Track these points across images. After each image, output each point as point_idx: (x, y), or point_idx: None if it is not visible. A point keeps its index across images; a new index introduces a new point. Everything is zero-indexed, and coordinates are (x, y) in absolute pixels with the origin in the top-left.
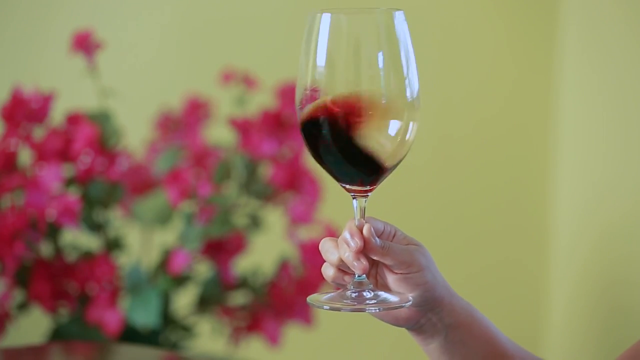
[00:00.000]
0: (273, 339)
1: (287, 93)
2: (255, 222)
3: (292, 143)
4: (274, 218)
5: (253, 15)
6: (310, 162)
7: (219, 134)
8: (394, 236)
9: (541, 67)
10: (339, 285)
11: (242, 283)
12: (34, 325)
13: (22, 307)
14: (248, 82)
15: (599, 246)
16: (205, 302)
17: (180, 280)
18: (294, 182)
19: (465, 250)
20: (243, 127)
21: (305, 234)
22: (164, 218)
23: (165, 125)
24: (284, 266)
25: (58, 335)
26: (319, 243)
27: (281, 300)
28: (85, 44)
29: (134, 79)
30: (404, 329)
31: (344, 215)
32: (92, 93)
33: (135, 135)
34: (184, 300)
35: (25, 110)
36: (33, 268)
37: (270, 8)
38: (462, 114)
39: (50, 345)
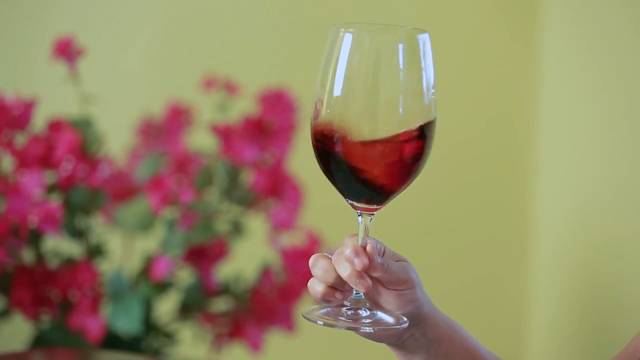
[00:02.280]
0: (255, 346)
1: (268, 99)
2: (237, 229)
3: (274, 149)
4: (256, 224)
5: (235, 22)
6: (292, 168)
7: (200, 140)
8: (384, 253)
9: (522, 76)
10: (326, 302)
11: (224, 289)
12: (15, 332)
13: (4, 314)
14: (230, 88)
15: (581, 263)
16: (187, 309)
17: (162, 287)
18: (276, 188)
19: (446, 267)
20: (225, 134)
21: (288, 240)
22: (145, 224)
23: (147, 132)
24: (266, 272)
25: (40, 341)
26: (301, 250)
27: (263, 307)
28: (66, 51)
29: (116, 86)
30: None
31: (325, 221)
32: (74, 99)
33: (117, 141)
34: (165, 307)
35: (7, 117)
36: (14, 275)
37: (252, 15)
38: (441, 133)
39: (32, 351)
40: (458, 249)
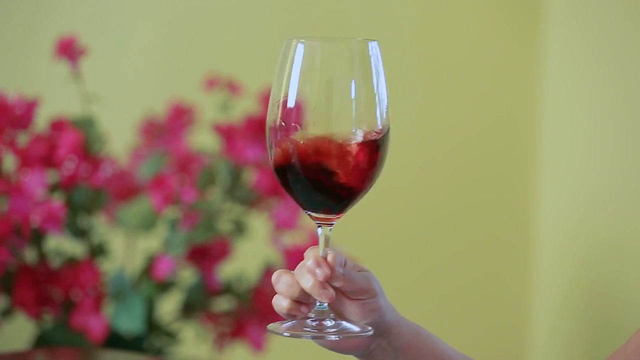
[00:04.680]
0: (257, 345)
1: None
2: (240, 228)
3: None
4: (258, 224)
5: (237, 21)
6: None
7: (203, 139)
8: (345, 264)
9: (525, 75)
10: (292, 317)
11: (227, 289)
12: (18, 332)
13: (6, 313)
14: (232, 87)
15: (583, 262)
16: (190, 308)
17: (165, 286)
18: (278, 188)
19: (448, 266)
20: (227, 133)
21: (290, 239)
22: (148, 224)
23: (150, 131)
24: (268, 272)
25: (42, 341)
26: (303, 249)
27: (265, 306)
28: (69, 50)
29: (118, 85)
30: None
31: None
32: (76, 99)
33: (120, 141)
34: (168, 306)
35: (9, 117)
36: (17, 274)
37: (254, 14)
38: (445, 130)
39: (34, 351)
40: (460, 248)
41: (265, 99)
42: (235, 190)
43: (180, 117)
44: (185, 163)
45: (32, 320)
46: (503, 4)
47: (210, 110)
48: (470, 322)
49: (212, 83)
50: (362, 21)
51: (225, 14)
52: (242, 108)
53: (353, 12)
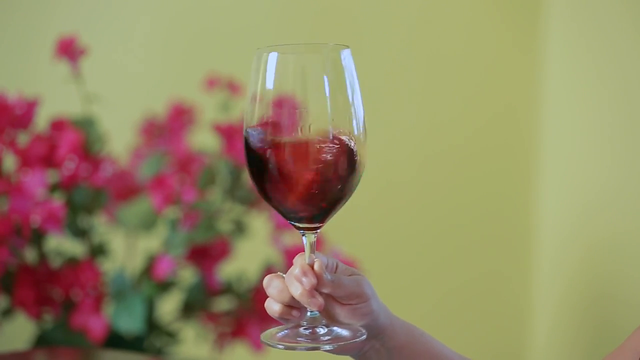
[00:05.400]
0: (257, 345)
1: None
2: (240, 228)
3: None
4: (259, 224)
5: (237, 21)
6: None
7: (203, 139)
8: (336, 268)
9: (525, 74)
10: (285, 320)
11: (227, 289)
12: (18, 331)
13: (7, 313)
14: (232, 87)
15: (584, 260)
16: (190, 308)
17: (165, 286)
18: None
19: (449, 264)
20: (227, 133)
21: (290, 239)
22: (148, 224)
23: (150, 131)
24: (268, 272)
25: (43, 341)
26: (303, 249)
27: None
28: (69, 50)
29: (118, 85)
30: None
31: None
32: (76, 99)
33: (120, 141)
34: (168, 306)
35: (10, 116)
36: (17, 274)
37: (254, 14)
38: (446, 128)
39: (34, 351)
40: (460, 246)
41: None
42: (235, 190)
43: (180, 117)
44: (186, 163)
45: (32, 320)
46: (503, 3)
47: (210, 110)
48: (470, 321)
49: (212, 83)
50: (362, 21)
51: (225, 13)
52: (242, 108)
53: (353, 12)
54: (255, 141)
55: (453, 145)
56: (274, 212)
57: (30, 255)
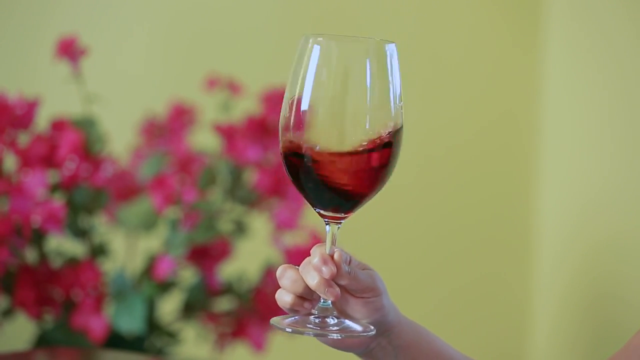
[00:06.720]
0: (258, 345)
1: (271, 99)
2: (240, 228)
3: (277, 149)
4: (259, 224)
5: (238, 21)
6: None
7: (203, 139)
8: (350, 262)
9: (526, 75)
10: (295, 312)
11: (227, 289)
12: (18, 332)
13: (7, 313)
14: (233, 88)
15: (584, 261)
16: (190, 308)
17: (165, 286)
18: (279, 187)
19: (449, 266)
20: (228, 133)
21: (291, 239)
22: (148, 224)
23: (150, 131)
24: (269, 272)
25: (43, 341)
26: (304, 249)
27: (266, 306)
28: (69, 50)
29: (119, 85)
30: None
31: None
32: (77, 99)
33: (120, 141)
34: (169, 306)
35: (10, 116)
36: (18, 274)
37: (255, 14)
38: (446, 131)
39: (35, 351)
40: (461, 247)
41: (265, 99)
42: (235, 190)
43: (180, 117)
44: (186, 163)
45: (32, 320)
46: (504, 4)
47: (210, 110)
48: (471, 322)
49: (212, 83)
50: (362, 21)
51: (225, 13)
52: (243, 108)
53: (353, 13)
54: (292, 130)
55: (453, 147)
56: (275, 212)
57: (30, 255)
